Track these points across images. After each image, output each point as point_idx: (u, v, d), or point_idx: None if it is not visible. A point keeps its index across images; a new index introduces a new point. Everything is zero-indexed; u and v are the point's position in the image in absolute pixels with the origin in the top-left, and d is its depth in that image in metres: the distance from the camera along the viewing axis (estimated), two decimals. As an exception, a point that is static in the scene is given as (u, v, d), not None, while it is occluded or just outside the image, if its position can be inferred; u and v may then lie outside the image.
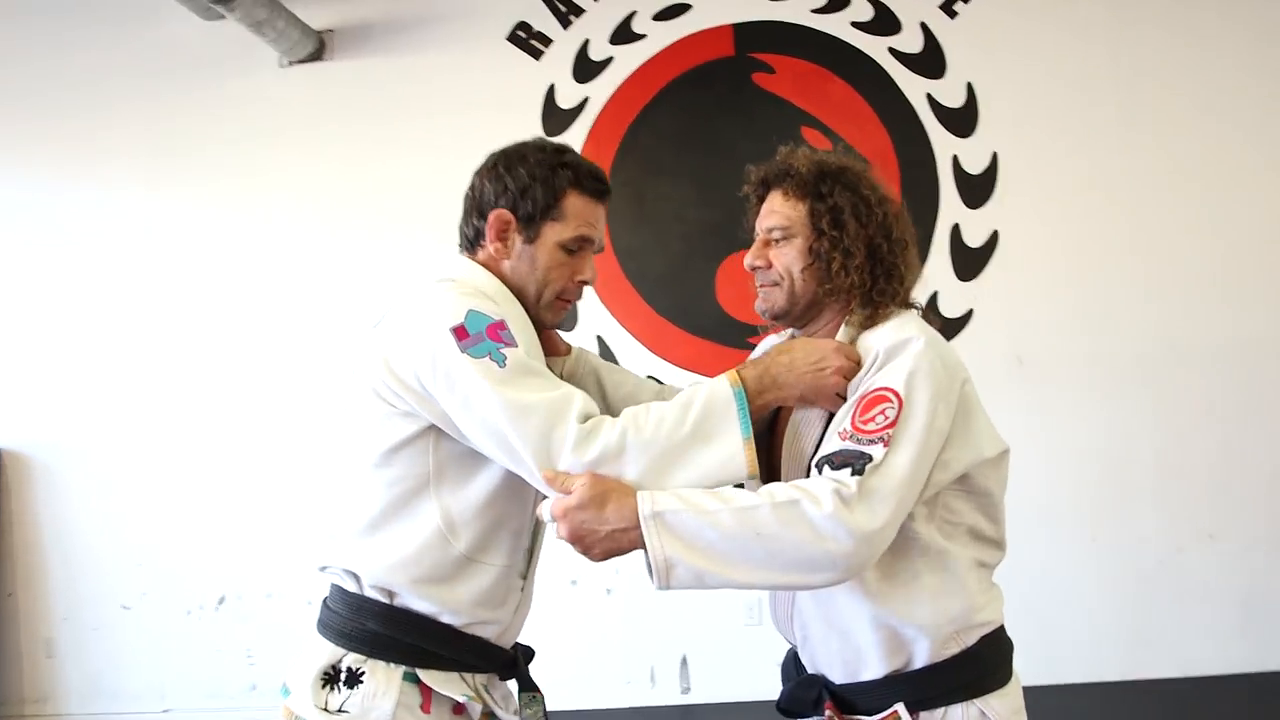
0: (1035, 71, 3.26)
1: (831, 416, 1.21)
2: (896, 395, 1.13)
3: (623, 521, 1.08)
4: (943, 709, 1.19)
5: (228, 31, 3.37)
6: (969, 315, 3.21)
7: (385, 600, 1.22)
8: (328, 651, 1.23)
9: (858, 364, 1.19)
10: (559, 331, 1.49)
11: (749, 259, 1.32)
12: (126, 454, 3.49)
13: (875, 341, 1.20)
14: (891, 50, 3.33)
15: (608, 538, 1.09)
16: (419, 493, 1.22)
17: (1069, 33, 3.25)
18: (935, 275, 3.20)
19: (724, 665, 3.15)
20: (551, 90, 3.41)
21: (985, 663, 1.23)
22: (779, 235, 1.29)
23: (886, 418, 1.11)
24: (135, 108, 3.56)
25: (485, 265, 1.31)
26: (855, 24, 3.34)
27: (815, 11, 3.35)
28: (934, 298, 3.20)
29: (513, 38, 3.43)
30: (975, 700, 1.20)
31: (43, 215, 3.61)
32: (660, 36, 3.40)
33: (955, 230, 3.25)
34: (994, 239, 3.23)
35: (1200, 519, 3.11)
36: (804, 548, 1.05)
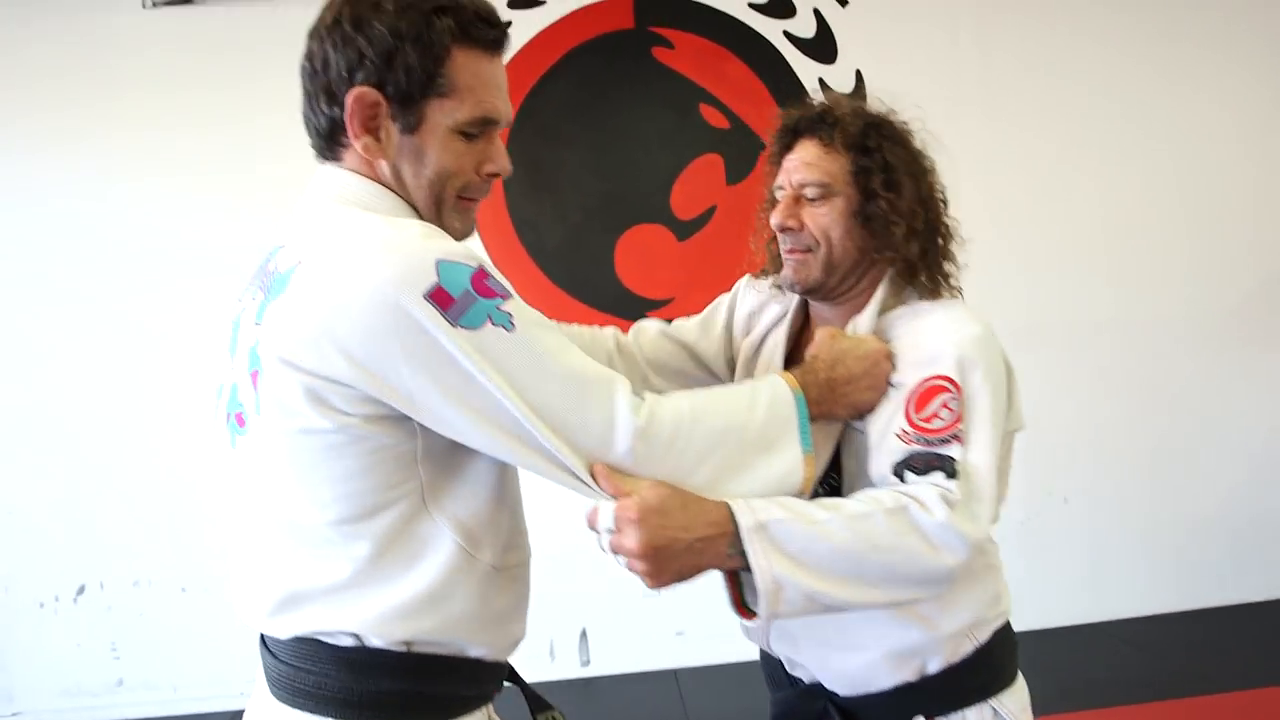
0: (914, 60, 3.41)
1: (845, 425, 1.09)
2: (954, 384, 1.01)
3: (711, 528, 0.90)
4: (959, 713, 1.12)
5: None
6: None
7: (401, 650, 0.93)
8: None
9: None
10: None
11: (778, 217, 1.14)
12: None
13: (919, 327, 1.08)
14: (786, 34, 3.40)
15: (688, 550, 0.89)
16: (415, 516, 0.91)
17: (941, 29, 3.42)
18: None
19: (624, 637, 3.19)
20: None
21: (997, 659, 1.16)
22: (815, 193, 1.12)
23: (951, 411, 1.00)
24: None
25: (364, 174, 0.96)
26: (753, 5, 3.39)
27: (714, -11, 3.37)
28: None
29: (404, -6, 3.28)
30: (989, 700, 1.13)
31: None
32: (560, 4, 3.33)
33: (844, 212, 3.37)
34: (879, 221, 3.38)
35: (1056, 483, 3.40)
36: (919, 560, 0.93)
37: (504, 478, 0.99)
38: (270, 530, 0.95)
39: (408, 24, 0.90)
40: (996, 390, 1.04)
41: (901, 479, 0.99)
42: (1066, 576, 3.38)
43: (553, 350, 0.88)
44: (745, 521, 0.90)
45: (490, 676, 1.02)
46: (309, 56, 0.95)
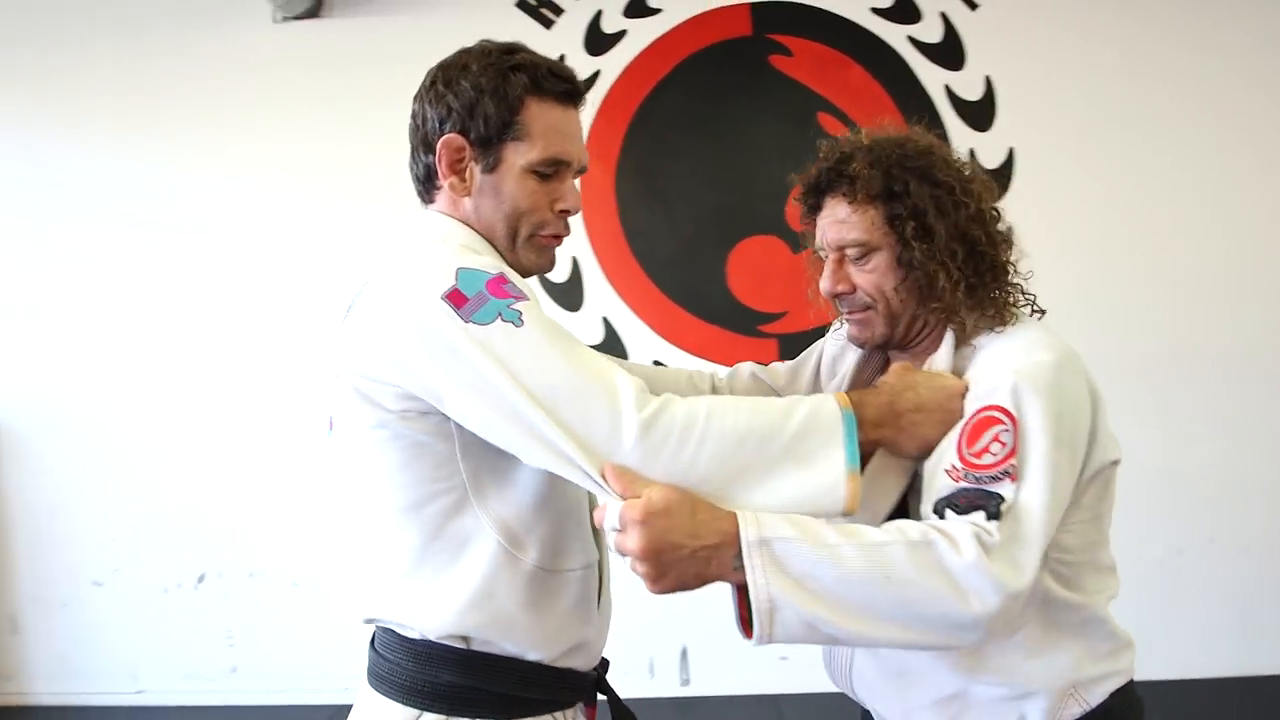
0: (1052, 69, 3.22)
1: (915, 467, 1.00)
2: (1007, 414, 0.92)
3: (717, 537, 0.85)
4: None
5: (222, -18, 3.20)
6: (980, 311, 3.17)
7: (460, 645, 0.99)
8: (394, 715, 1.00)
9: None
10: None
11: (827, 284, 1.09)
12: (102, 424, 3.32)
13: (987, 359, 1.00)
14: (911, 39, 3.27)
15: (692, 557, 0.85)
16: (459, 509, 0.98)
17: (1084, 32, 3.22)
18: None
19: (725, 658, 3.10)
20: (561, 61, 3.28)
21: None
22: (856, 253, 1.07)
23: (1003, 444, 0.91)
24: (117, 52, 3.35)
25: (449, 214, 1.07)
26: (875, 10, 3.27)
27: (835, -6, 3.27)
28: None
29: (522, 4, 3.31)
30: None
31: (13, 171, 3.40)
32: (676, 11, 3.29)
33: (969, 225, 3.21)
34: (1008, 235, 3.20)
35: (1201, 523, 3.13)
36: (942, 602, 0.84)
37: (553, 480, 0.99)
38: (353, 522, 1.05)
39: (488, 79, 1.03)
40: (1062, 422, 0.93)
41: (941, 517, 0.91)
42: (1211, 623, 3.11)
43: (560, 346, 0.91)
44: (748, 535, 0.85)
45: (558, 682, 1.03)
46: (412, 116, 1.09)
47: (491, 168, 1.05)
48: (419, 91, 1.08)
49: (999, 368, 0.97)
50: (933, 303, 1.05)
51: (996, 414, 0.92)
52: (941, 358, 1.05)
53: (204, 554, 3.27)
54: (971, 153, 3.22)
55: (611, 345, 3.23)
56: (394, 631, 1.03)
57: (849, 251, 1.08)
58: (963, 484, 0.91)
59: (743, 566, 0.84)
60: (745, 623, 0.90)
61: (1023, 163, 3.21)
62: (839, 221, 1.08)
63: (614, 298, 3.24)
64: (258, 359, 3.26)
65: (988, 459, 0.91)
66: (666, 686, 3.11)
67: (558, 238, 1.10)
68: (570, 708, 1.07)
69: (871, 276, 1.07)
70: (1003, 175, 3.21)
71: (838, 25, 3.26)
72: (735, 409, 0.91)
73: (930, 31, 3.26)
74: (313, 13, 3.34)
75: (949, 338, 1.06)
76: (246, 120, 3.32)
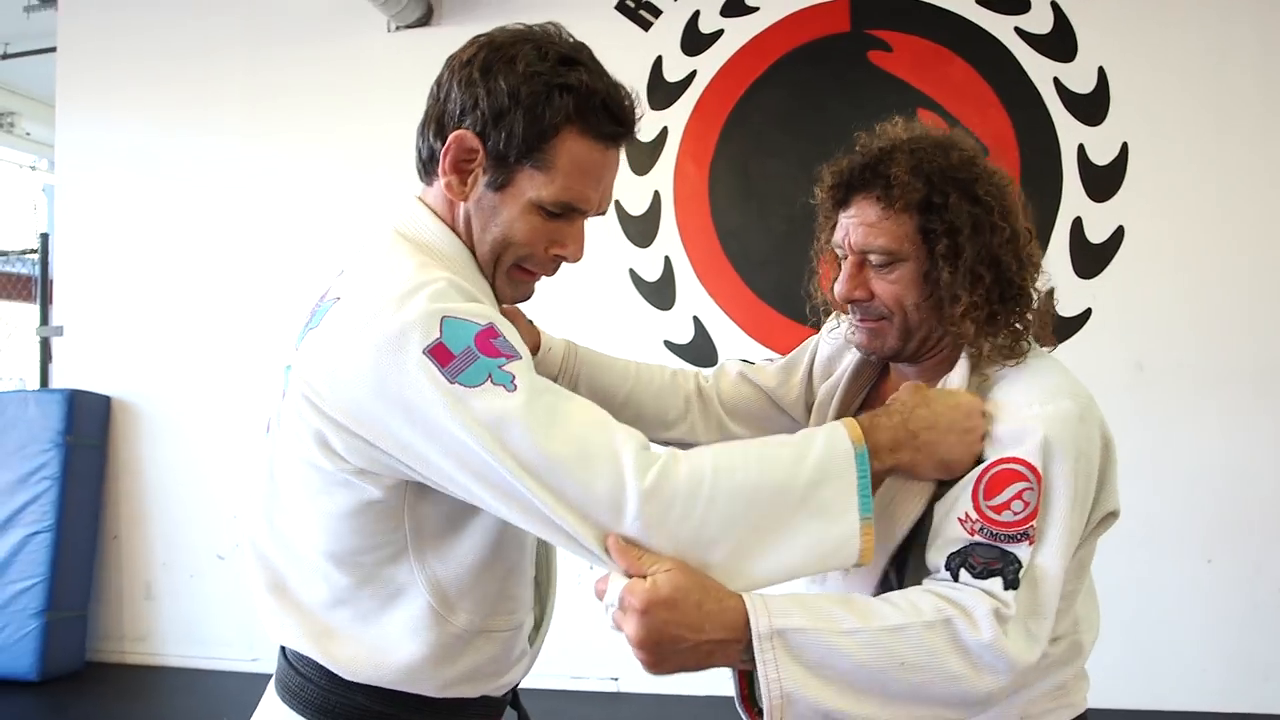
0: (1172, 57, 3.05)
1: (934, 489, 0.94)
2: (1034, 471, 0.86)
3: (723, 632, 0.79)
4: None
5: (340, -7, 3.39)
6: (1086, 315, 3.04)
7: (373, 684, 0.92)
8: None
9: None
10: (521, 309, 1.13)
11: (843, 289, 1.00)
12: (226, 407, 3.58)
13: (1007, 396, 0.94)
14: (1018, 30, 3.15)
15: (696, 650, 0.79)
16: (393, 562, 0.90)
17: (1210, 15, 3.02)
18: (1053, 271, 3.00)
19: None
20: (659, 62, 3.33)
21: None
22: (881, 260, 0.98)
23: (1026, 504, 0.86)
24: (243, 63, 3.62)
25: (436, 208, 0.96)
26: (980, 1, 3.17)
27: (938, -13, 3.19)
28: (1050, 295, 3.05)
29: (621, 7, 3.37)
30: None
31: (149, 164, 3.73)
32: (773, 9, 3.29)
33: (1077, 224, 3.08)
34: (1119, 235, 3.05)
35: None
36: (956, 683, 0.81)
37: (502, 545, 0.94)
38: (269, 536, 0.95)
39: (528, 90, 0.88)
40: (1085, 482, 0.89)
41: (955, 576, 0.86)
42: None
43: (556, 412, 0.82)
44: (759, 627, 0.79)
45: (477, 710, 0.99)
46: (437, 81, 0.94)
47: (498, 186, 0.92)
48: (452, 58, 0.94)
49: (1024, 412, 0.90)
50: (951, 325, 0.98)
51: (1023, 469, 0.87)
52: (955, 379, 0.99)
53: (315, 533, 3.47)
54: (1081, 148, 3.08)
55: (701, 345, 3.25)
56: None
57: (872, 258, 0.99)
58: (978, 538, 0.86)
59: (753, 659, 0.80)
60: (745, 700, 0.87)
61: (1136, 159, 3.05)
62: (867, 225, 0.99)
63: (705, 297, 3.27)
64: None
65: (1008, 516, 0.86)
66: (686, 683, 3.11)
67: (536, 275, 0.99)
68: None
69: (894, 288, 0.99)
70: (1115, 171, 3.07)
71: (940, 18, 3.18)
72: (744, 462, 0.83)
73: (1039, 22, 3.14)
74: (424, 21, 3.50)
75: (964, 359, 0.99)
76: (362, 121, 3.52)
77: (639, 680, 3.02)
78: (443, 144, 0.91)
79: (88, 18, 3.78)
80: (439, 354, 0.80)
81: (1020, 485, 0.86)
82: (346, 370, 0.83)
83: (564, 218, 0.94)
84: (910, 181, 0.96)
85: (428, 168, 0.96)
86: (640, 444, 0.83)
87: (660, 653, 0.80)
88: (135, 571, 3.65)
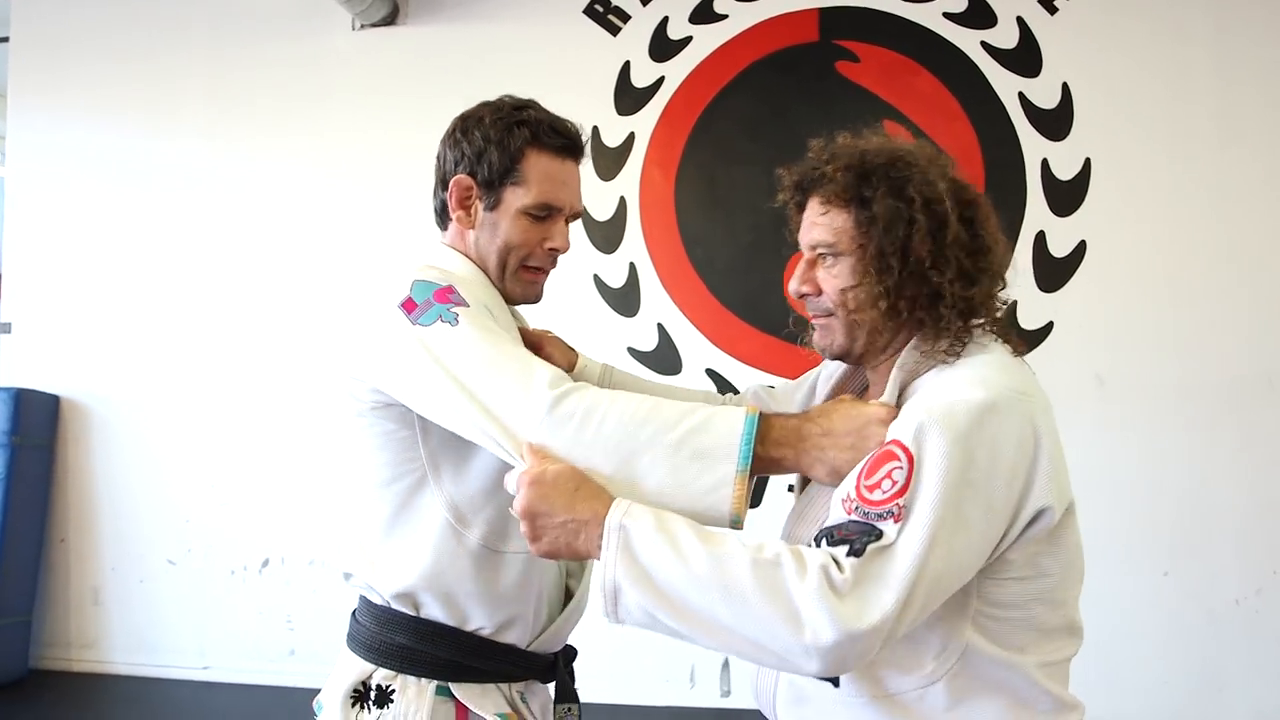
0: (1134, 74, 3.08)
1: None
2: (904, 450, 0.88)
3: (586, 514, 0.92)
4: None
5: (305, -10, 3.34)
6: (1049, 328, 3.06)
7: (410, 612, 1.14)
8: (357, 668, 1.15)
9: None
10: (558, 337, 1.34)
11: (793, 283, 1.07)
12: (182, 410, 3.51)
13: (923, 393, 0.95)
14: (984, 44, 3.17)
15: (561, 527, 0.93)
16: (420, 487, 1.13)
17: (1169, 35, 3.07)
18: (1016, 284, 3.04)
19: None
20: (627, 67, 3.31)
21: None
22: (824, 252, 1.04)
23: (894, 482, 0.88)
24: (204, 60, 3.56)
25: (454, 245, 1.23)
26: (947, 15, 3.19)
27: (906, 0, 3.20)
28: (1012, 308, 3.06)
29: (590, 11, 3.34)
30: None
31: (105, 160, 3.65)
32: (742, 17, 3.28)
33: (1040, 238, 3.10)
34: (1081, 249, 3.08)
35: (1282, 559, 2.95)
36: (774, 625, 0.83)
37: (505, 467, 1.05)
38: (342, 494, 1.22)
39: (495, 131, 1.19)
40: (974, 465, 0.88)
41: (817, 545, 0.89)
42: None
43: (488, 339, 1.03)
44: (612, 518, 0.90)
45: (498, 655, 1.15)
46: (437, 156, 1.25)
47: (493, 206, 1.20)
48: (444, 135, 1.24)
49: (916, 405, 0.93)
50: (889, 321, 1.03)
51: (895, 449, 0.89)
52: (886, 395, 1.02)
53: (268, 540, 3.42)
54: (1045, 163, 3.11)
55: (665, 352, 3.23)
56: (364, 598, 1.19)
57: (820, 252, 1.05)
58: (853, 517, 0.88)
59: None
60: None
61: (1100, 173, 3.07)
62: (813, 222, 1.06)
63: (669, 304, 3.25)
64: (329, 353, 3.39)
65: (878, 495, 0.88)
66: (707, 696, 3.09)
67: (541, 271, 1.23)
68: (516, 682, 1.18)
69: (835, 281, 1.04)
70: (1078, 186, 3.09)
71: (908, 30, 3.19)
72: (643, 399, 0.99)
73: (1005, 37, 3.16)
74: (389, 20, 3.45)
75: (895, 372, 1.02)
76: (325, 120, 3.47)
77: (594, 690, 2.99)
78: (447, 192, 1.22)
79: (43, 8, 3.69)
80: (407, 305, 1.06)
81: (892, 464, 0.89)
82: (354, 333, 1.12)
83: (548, 219, 1.20)
84: (843, 177, 1.02)
85: (442, 217, 1.25)
86: (557, 372, 1.01)
87: (536, 525, 0.94)
88: (83, 576, 3.55)
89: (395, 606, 1.14)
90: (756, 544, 0.88)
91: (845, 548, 0.86)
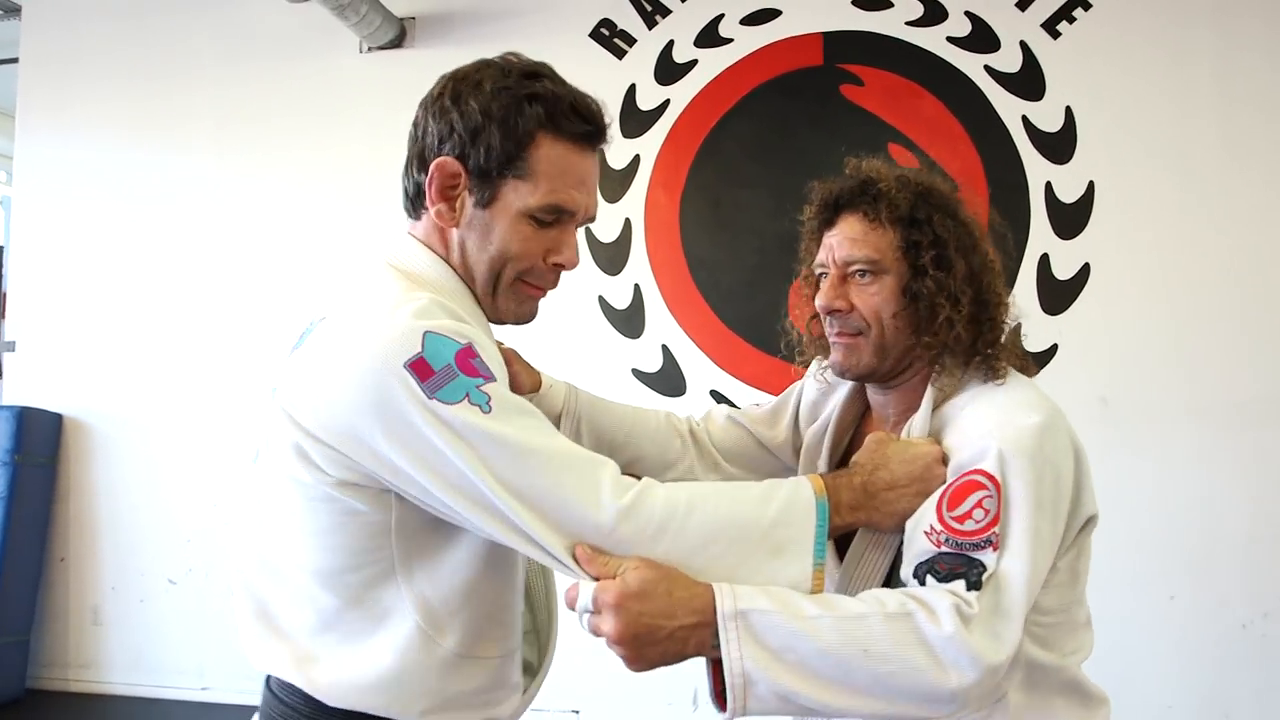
0: (1138, 98, 3.09)
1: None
2: (992, 480, 0.89)
3: (694, 616, 0.82)
4: None
5: (312, 14, 3.35)
6: (1053, 351, 3.06)
7: (357, 710, 0.91)
8: None
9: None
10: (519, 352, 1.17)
11: (824, 299, 1.06)
12: (184, 430, 3.50)
13: (969, 421, 0.97)
14: (988, 68, 3.19)
15: (670, 638, 0.82)
16: (382, 582, 0.89)
17: (1172, 57, 3.08)
18: (1021, 307, 3.05)
19: (771, 695, 3.04)
20: (632, 90, 3.33)
21: None
22: (862, 269, 1.03)
23: (986, 511, 0.88)
24: (212, 81, 3.58)
25: (427, 241, 0.97)
26: (951, 39, 3.21)
27: (910, 24, 3.22)
28: (1017, 329, 3.06)
29: (596, 35, 3.37)
30: None
31: (111, 179, 3.66)
32: (747, 41, 3.30)
33: (1044, 260, 3.10)
34: (1085, 272, 3.08)
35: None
36: (919, 676, 0.82)
37: (490, 566, 0.93)
38: (256, 562, 0.95)
39: (499, 105, 0.92)
40: (1044, 486, 0.91)
41: (922, 582, 0.89)
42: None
43: (531, 433, 0.85)
44: (724, 608, 0.83)
45: None
46: (414, 124, 0.98)
47: (485, 203, 0.94)
48: (425, 98, 0.98)
49: (982, 432, 0.94)
50: (927, 337, 1.02)
51: (981, 479, 0.90)
52: (919, 421, 1.02)
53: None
54: (1049, 186, 3.12)
55: (670, 374, 3.23)
56: (284, 682, 0.95)
57: (855, 270, 1.05)
58: (944, 549, 0.89)
59: (719, 644, 0.83)
60: (719, 696, 0.87)
61: (1103, 198, 3.08)
62: (852, 239, 1.05)
63: (674, 326, 3.25)
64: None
65: (970, 525, 0.89)
66: (711, 717, 3.05)
67: (541, 288, 1.00)
68: None
69: (873, 300, 1.04)
70: (1082, 209, 3.10)
71: (912, 54, 3.21)
72: (715, 496, 0.89)
73: (1009, 61, 3.18)
74: (397, 43, 3.48)
75: (928, 399, 1.03)
76: (333, 143, 3.48)
77: (600, 712, 2.97)
78: (426, 176, 0.94)
79: (52, 29, 3.73)
80: (419, 369, 0.82)
81: (980, 494, 0.89)
82: (327, 384, 0.85)
83: (556, 225, 0.96)
84: (897, 195, 1.03)
85: (415, 204, 0.98)
86: (615, 469, 0.87)
87: (638, 644, 0.83)
88: (82, 595, 3.54)
89: (334, 705, 0.91)
90: (873, 597, 0.87)
91: (961, 582, 0.86)
